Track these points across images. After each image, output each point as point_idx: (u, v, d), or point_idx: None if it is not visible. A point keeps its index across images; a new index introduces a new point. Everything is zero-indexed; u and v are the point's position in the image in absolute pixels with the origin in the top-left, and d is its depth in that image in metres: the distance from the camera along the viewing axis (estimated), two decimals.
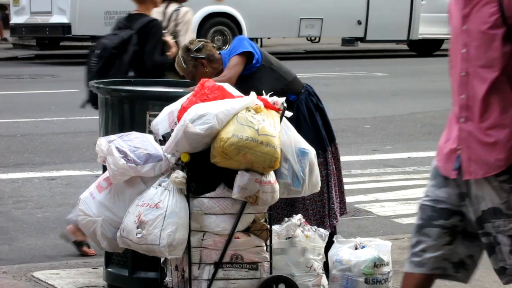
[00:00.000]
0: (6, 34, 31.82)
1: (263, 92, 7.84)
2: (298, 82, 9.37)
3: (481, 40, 5.96)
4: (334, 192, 9.10)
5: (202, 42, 9.30)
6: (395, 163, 13.70)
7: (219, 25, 29.39)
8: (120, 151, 7.82)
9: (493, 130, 5.90)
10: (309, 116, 8.95)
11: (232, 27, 29.25)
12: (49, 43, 31.04)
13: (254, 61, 9.11)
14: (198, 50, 9.18)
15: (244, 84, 8.61)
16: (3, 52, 31.15)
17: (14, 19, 29.86)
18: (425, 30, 32.02)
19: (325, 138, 9.01)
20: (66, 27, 28.28)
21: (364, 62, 28.72)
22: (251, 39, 9.82)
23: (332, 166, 9.11)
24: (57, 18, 28.32)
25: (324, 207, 9.00)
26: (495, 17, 5.99)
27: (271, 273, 7.67)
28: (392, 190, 12.41)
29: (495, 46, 5.89)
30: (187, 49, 9.32)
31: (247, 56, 9.09)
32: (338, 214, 9.20)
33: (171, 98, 8.44)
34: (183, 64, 9.19)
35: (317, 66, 25.44)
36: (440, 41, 33.06)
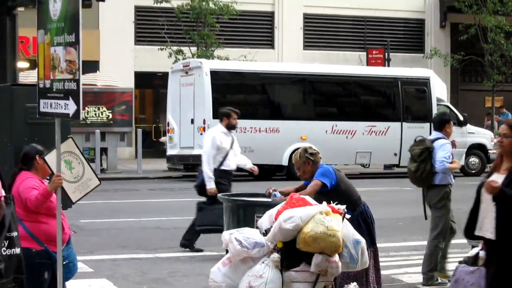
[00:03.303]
0: (163, 161, 31.91)
1: (331, 201, 7.91)
2: (359, 201, 9.56)
3: None
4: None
5: (316, 151, 9.70)
6: (419, 248, 13.51)
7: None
8: (237, 240, 7.85)
9: None
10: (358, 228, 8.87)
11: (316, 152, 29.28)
12: (192, 167, 31.12)
13: (328, 187, 9.37)
14: (312, 154, 9.39)
15: (322, 197, 8.62)
16: (162, 173, 31.29)
17: (169, 151, 30.05)
18: None
19: (368, 240, 8.95)
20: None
21: (398, 181, 28.36)
22: None
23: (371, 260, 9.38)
24: (197, 151, 28.33)
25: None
26: None
27: None
28: (416, 266, 12.23)
29: None
30: (305, 150, 9.65)
31: (322, 183, 9.36)
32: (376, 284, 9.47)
33: (271, 206, 8.47)
34: (299, 157, 9.56)
35: (367, 184, 25.23)
36: None
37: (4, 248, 6.44)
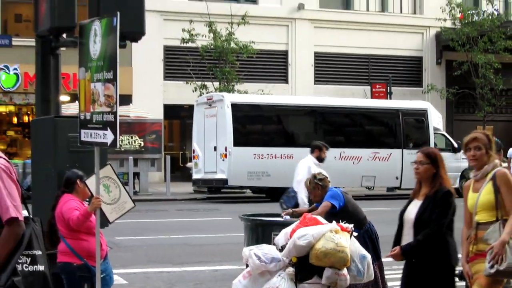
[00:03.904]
0: (189, 184, 31.91)
1: (340, 221, 7.91)
2: (365, 220, 9.61)
3: None
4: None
5: (324, 177, 9.85)
6: None
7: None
8: (256, 255, 7.83)
9: None
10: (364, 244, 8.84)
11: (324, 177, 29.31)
12: (215, 190, 31.12)
13: (336, 208, 9.39)
14: (320, 180, 9.49)
15: (332, 216, 8.64)
16: (188, 195, 31.30)
17: (195, 176, 30.09)
18: None
19: (373, 256, 8.91)
20: (225, 180, 28.42)
21: (400, 202, 28.21)
22: None
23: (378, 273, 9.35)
24: (220, 175, 28.44)
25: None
26: None
27: None
28: None
29: None
30: (315, 176, 9.78)
31: (332, 205, 9.39)
32: None
33: (286, 224, 8.47)
34: (309, 183, 9.72)
35: (372, 204, 25.14)
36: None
37: (26, 265, 6.39)
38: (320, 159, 14.71)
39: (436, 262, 7.33)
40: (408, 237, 7.49)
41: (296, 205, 14.10)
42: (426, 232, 7.29)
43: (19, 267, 6.22)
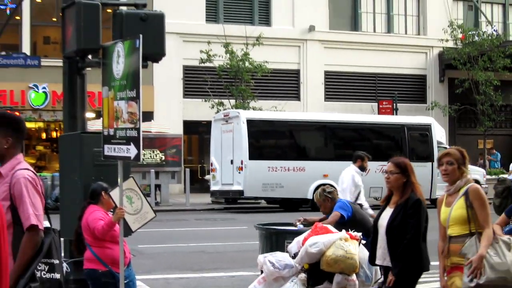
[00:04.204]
0: (207, 196, 31.89)
1: (349, 229, 7.89)
2: (371, 229, 9.48)
3: None
4: None
5: (333, 189, 9.97)
6: None
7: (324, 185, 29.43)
8: (270, 262, 7.85)
9: None
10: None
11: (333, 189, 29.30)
12: (231, 201, 31.09)
13: (345, 218, 9.35)
14: (329, 192, 9.53)
15: (341, 226, 8.62)
16: (206, 205, 31.28)
17: (212, 187, 30.06)
18: (440, 193, 31.45)
19: None
20: (241, 192, 28.40)
21: None
22: None
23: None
24: (236, 187, 28.41)
25: None
26: None
27: None
28: (423, 283, 12.10)
29: None
30: (324, 190, 9.77)
31: (341, 215, 9.36)
32: None
33: (299, 233, 8.46)
34: (319, 196, 9.69)
35: None
36: None
37: (44, 272, 6.41)
38: (362, 168, 14.71)
39: (409, 266, 7.17)
40: (382, 243, 7.33)
41: None
42: (404, 244, 7.12)
43: (38, 274, 6.24)
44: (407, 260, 7.10)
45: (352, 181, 14.26)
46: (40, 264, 6.27)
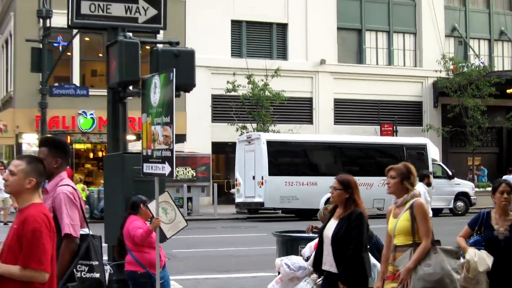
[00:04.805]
0: (232, 207, 31.87)
1: None
2: (372, 235, 9.29)
3: None
4: None
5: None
6: None
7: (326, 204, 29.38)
8: (286, 264, 7.82)
9: None
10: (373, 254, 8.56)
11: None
12: (253, 211, 31.04)
13: None
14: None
15: None
16: (231, 215, 31.23)
17: (237, 200, 30.11)
18: (435, 204, 31.26)
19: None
20: (261, 203, 28.40)
21: None
22: None
23: None
24: (257, 199, 28.43)
25: None
26: None
27: None
28: None
29: None
30: (326, 208, 8.96)
31: None
32: None
33: (311, 239, 8.42)
34: (323, 214, 8.95)
35: (382, 222, 24.92)
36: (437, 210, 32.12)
37: (84, 272, 6.42)
38: (429, 185, 14.70)
39: (354, 274, 6.92)
40: (327, 252, 7.10)
41: None
42: (349, 254, 6.90)
43: (78, 274, 6.27)
44: (352, 268, 6.86)
45: (424, 197, 13.90)
46: (80, 265, 6.29)
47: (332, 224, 7.14)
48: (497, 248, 6.86)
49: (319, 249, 7.25)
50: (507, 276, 6.72)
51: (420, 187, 14.21)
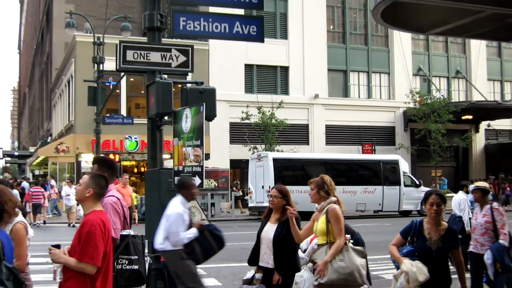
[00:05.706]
0: (246, 210, 31.81)
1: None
2: (354, 232, 9.08)
3: None
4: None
5: None
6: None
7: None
8: None
9: None
10: None
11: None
12: (261, 214, 30.92)
13: None
14: None
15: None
16: (246, 217, 31.17)
17: (250, 204, 30.14)
18: (405, 207, 31.19)
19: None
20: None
21: (382, 220, 27.81)
22: None
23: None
24: (266, 204, 28.29)
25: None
26: None
27: None
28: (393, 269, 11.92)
29: None
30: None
31: None
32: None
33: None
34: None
35: (363, 221, 24.77)
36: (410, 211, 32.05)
37: (125, 265, 6.38)
38: (467, 192, 13.34)
39: (291, 268, 6.86)
40: (264, 252, 6.92)
41: (463, 227, 12.65)
42: (289, 252, 6.78)
43: (119, 266, 6.26)
44: (290, 263, 6.77)
45: (467, 203, 13.12)
46: (121, 259, 6.28)
47: (270, 227, 6.87)
48: (429, 257, 5.95)
49: (255, 249, 6.99)
50: (435, 284, 5.95)
51: (460, 194, 13.41)
